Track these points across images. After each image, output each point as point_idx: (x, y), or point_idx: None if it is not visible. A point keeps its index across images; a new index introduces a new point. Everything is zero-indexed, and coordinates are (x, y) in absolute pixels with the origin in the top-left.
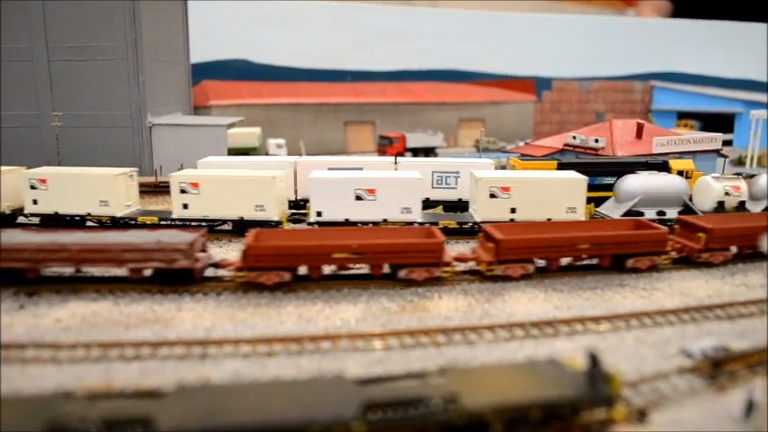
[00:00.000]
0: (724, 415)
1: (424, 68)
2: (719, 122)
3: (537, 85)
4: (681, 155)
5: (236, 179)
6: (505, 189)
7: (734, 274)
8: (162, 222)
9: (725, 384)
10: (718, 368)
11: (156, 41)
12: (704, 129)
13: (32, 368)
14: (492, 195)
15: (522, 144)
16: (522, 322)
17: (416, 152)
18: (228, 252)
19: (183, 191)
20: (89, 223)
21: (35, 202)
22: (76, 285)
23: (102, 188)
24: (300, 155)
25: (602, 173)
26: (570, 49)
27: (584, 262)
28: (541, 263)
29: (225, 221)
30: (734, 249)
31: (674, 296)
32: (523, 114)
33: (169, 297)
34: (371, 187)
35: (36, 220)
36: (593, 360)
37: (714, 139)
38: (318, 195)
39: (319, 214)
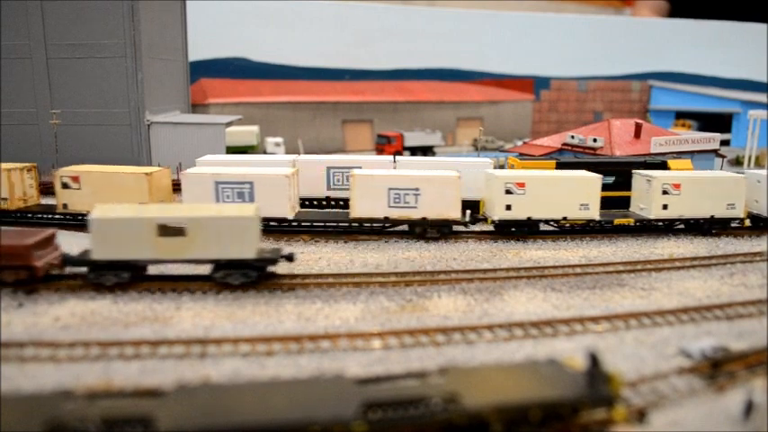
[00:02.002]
0: (723, 416)
1: (423, 67)
2: (717, 122)
3: (535, 85)
4: (679, 155)
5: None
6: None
7: (732, 275)
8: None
9: (724, 385)
10: (717, 369)
11: (155, 39)
12: (702, 128)
13: (31, 367)
14: (508, 192)
15: (520, 143)
16: (522, 322)
17: (414, 151)
18: None
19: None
20: None
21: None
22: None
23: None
24: (299, 153)
25: (600, 173)
26: (568, 49)
27: None
28: None
29: None
30: None
31: (673, 296)
32: (521, 113)
33: (168, 296)
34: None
35: None
36: (594, 360)
37: (712, 139)
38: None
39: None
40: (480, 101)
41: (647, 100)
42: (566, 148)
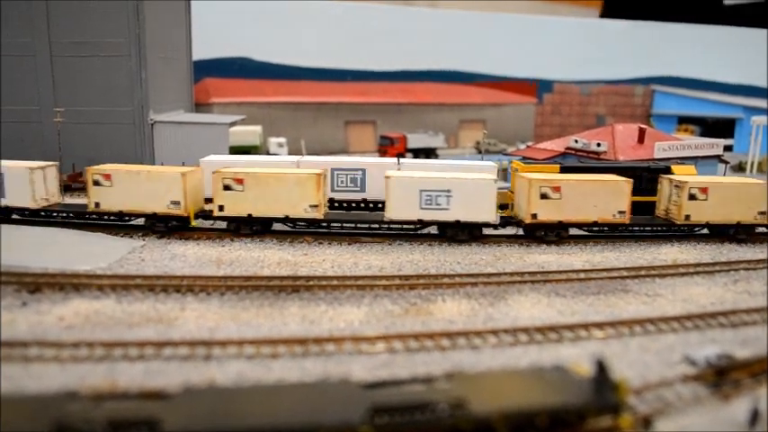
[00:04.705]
0: (728, 424)
1: (426, 69)
2: (719, 128)
3: (538, 88)
4: (682, 160)
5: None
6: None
7: (736, 282)
8: None
9: (729, 393)
10: (721, 376)
11: (159, 38)
12: (704, 134)
13: (36, 367)
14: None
15: (523, 147)
16: (526, 327)
17: (417, 153)
18: None
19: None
20: None
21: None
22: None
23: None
24: (302, 154)
25: None
26: (571, 52)
27: None
28: None
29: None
30: None
31: (677, 303)
32: (524, 116)
33: (173, 296)
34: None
35: None
36: (601, 367)
37: (715, 145)
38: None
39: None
40: (483, 103)
41: (649, 104)
42: (569, 152)
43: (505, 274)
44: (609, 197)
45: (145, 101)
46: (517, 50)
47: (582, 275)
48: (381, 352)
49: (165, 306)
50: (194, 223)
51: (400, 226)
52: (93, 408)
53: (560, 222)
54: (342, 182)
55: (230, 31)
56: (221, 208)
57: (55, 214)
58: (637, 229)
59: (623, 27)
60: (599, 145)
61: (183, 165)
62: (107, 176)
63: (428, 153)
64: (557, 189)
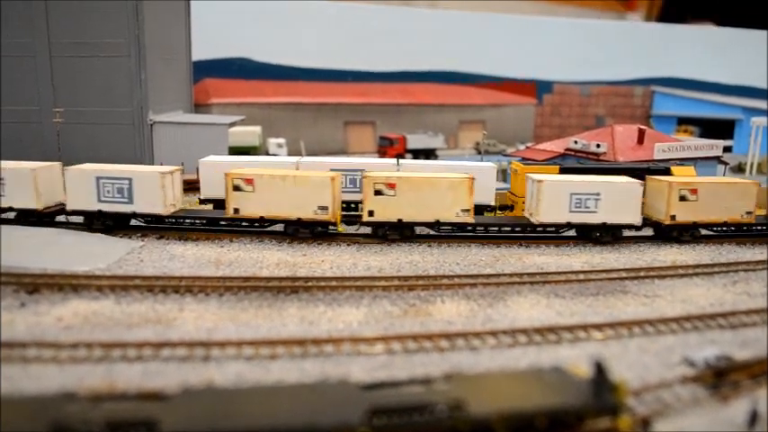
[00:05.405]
0: (727, 425)
1: (425, 70)
2: (719, 129)
3: (538, 89)
4: (682, 161)
5: None
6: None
7: (735, 283)
8: None
9: (728, 394)
10: (721, 378)
11: (159, 39)
12: (703, 135)
13: (34, 367)
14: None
15: (522, 147)
16: (525, 328)
17: (417, 154)
18: None
19: None
20: None
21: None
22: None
23: None
24: (301, 155)
25: None
26: (571, 53)
27: None
28: None
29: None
30: None
31: (676, 304)
32: (524, 117)
33: (171, 297)
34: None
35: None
36: (599, 368)
37: (715, 146)
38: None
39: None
40: (483, 104)
41: (649, 105)
42: (569, 153)
43: (504, 275)
44: (738, 199)
45: (144, 101)
46: (517, 51)
47: (581, 276)
48: (380, 353)
49: (163, 307)
50: (341, 229)
51: (543, 228)
52: (91, 409)
53: (695, 223)
54: (341, 183)
55: (230, 31)
56: (371, 213)
57: (183, 221)
58: (759, 228)
59: (623, 28)
60: (598, 146)
61: (183, 165)
62: (249, 181)
63: (428, 154)
64: (694, 191)
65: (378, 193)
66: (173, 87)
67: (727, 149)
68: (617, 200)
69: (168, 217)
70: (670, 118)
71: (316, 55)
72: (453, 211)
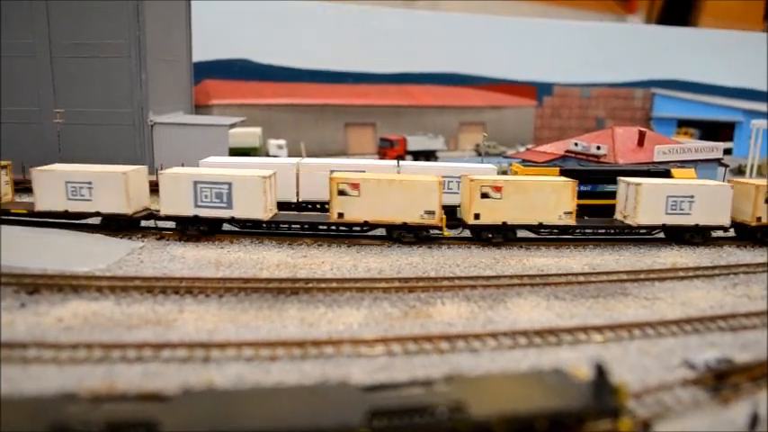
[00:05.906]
0: (728, 428)
1: (426, 71)
2: (719, 131)
3: (538, 91)
4: (682, 163)
5: None
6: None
7: (735, 285)
8: None
9: (729, 397)
10: (721, 380)
11: (159, 40)
12: (703, 137)
13: (34, 368)
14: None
15: (522, 149)
16: (525, 330)
17: (417, 155)
18: None
19: None
20: None
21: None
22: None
23: None
24: (302, 156)
25: (603, 180)
26: (571, 55)
27: None
28: None
29: None
30: None
31: (677, 306)
32: (524, 119)
33: (171, 298)
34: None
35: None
36: (600, 370)
37: (715, 148)
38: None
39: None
40: (483, 106)
41: (649, 108)
42: (569, 155)
43: (505, 276)
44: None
45: (144, 102)
46: (517, 53)
47: (581, 278)
48: (380, 355)
49: (163, 308)
50: (447, 233)
51: (638, 229)
52: (91, 410)
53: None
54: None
55: (230, 32)
56: (477, 216)
57: (279, 226)
58: None
59: (623, 30)
60: (599, 148)
61: (183, 166)
62: (355, 186)
63: (428, 155)
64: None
65: (484, 196)
66: (173, 88)
67: (727, 152)
68: (710, 202)
69: (268, 222)
70: (670, 120)
71: (316, 56)
72: (556, 213)
